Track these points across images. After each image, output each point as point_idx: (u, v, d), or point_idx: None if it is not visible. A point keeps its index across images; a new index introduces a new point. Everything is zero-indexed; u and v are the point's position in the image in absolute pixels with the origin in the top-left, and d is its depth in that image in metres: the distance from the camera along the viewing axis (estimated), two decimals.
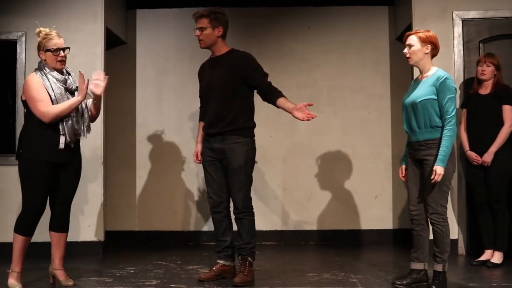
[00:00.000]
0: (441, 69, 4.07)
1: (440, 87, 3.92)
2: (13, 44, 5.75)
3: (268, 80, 4.47)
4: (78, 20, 5.76)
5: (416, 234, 4.12)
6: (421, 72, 4.12)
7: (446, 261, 4.04)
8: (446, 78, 3.94)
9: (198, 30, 4.46)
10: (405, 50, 4.08)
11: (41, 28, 4.20)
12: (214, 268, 4.52)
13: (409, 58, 4.07)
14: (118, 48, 6.58)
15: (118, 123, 6.51)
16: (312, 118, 4.21)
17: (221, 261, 4.54)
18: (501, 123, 5.01)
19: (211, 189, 4.52)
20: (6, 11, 5.75)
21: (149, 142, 6.59)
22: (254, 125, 4.53)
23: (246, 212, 4.44)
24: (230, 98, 4.40)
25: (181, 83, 6.60)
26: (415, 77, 4.35)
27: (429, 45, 4.04)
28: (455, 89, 3.99)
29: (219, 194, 4.50)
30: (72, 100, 4.12)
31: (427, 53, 4.04)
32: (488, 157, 4.97)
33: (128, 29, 6.63)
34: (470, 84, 5.34)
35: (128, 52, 6.63)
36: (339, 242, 6.40)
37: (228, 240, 4.55)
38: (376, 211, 6.49)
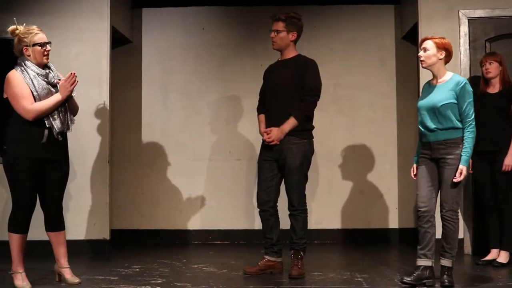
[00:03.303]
0: (457, 74, 4.23)
1: (461, 92, 4.10)
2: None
3: (314, 98, 4.60)
4: (83, 19, 5.77)
5: (424, 231, 4.16)
6: (435, 77, 4.24)
7: (455, 256, 4.13)
8: (465, 83, 4.13)
9: (273, 32, 4.66)
10: (420, 53, 4.23)
11: (18, 25, 4.11)
12: (259, 263, 4.66)
13: (423, 61, 4.21)
14: (124, 47, 6.58)
15: (124, 122, 6.52)
16: (267, 139, 4.55)
17: (267, 257, 4.68)
18: (509, 122, 4.99)
19: (260, 187, 4.68)
20: (9, 10, 5.74)
21: (155, 141, 6.59)
22: (311, 127, 4.69)
23: (300, 210, 4.60)
24: (290, 101, 4.55)
25: (186, 81, 6.60)
26: (421, 78, 4.37)
27: (443, 52, 4.18)
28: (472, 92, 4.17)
29: (267, 193, 4.65)
30: (55, 100, 4.07)
31: (441, 59, 4.19)
32: (510, 160, 4.96)
33: (133, 28, 6.63)
34: (476, 82, 5.30)
35: (133, 51, 6.63)
36: (344, 241, 6.40)
37: (274, 238, 4.67)
38: (382, 210, 6.47)
